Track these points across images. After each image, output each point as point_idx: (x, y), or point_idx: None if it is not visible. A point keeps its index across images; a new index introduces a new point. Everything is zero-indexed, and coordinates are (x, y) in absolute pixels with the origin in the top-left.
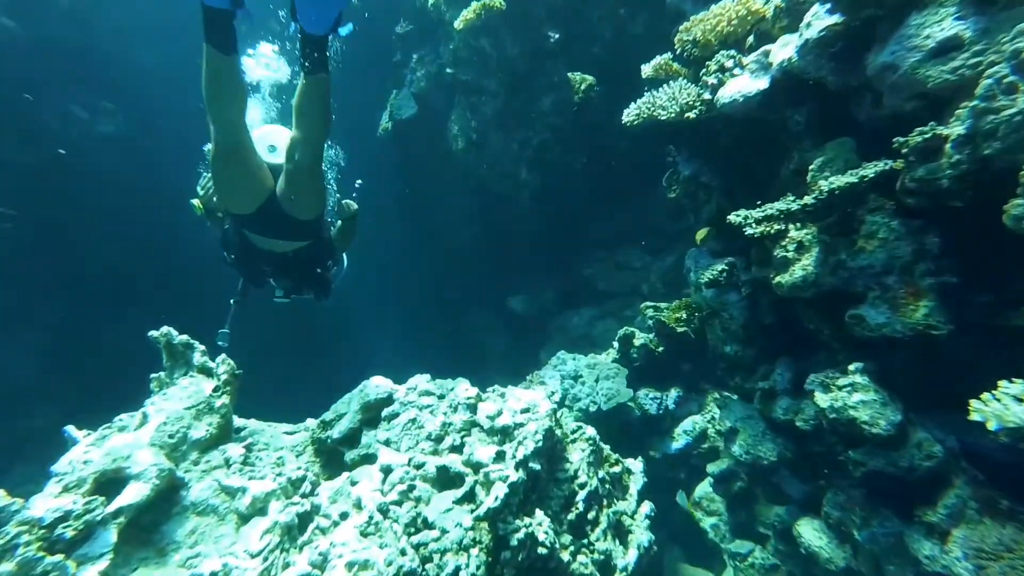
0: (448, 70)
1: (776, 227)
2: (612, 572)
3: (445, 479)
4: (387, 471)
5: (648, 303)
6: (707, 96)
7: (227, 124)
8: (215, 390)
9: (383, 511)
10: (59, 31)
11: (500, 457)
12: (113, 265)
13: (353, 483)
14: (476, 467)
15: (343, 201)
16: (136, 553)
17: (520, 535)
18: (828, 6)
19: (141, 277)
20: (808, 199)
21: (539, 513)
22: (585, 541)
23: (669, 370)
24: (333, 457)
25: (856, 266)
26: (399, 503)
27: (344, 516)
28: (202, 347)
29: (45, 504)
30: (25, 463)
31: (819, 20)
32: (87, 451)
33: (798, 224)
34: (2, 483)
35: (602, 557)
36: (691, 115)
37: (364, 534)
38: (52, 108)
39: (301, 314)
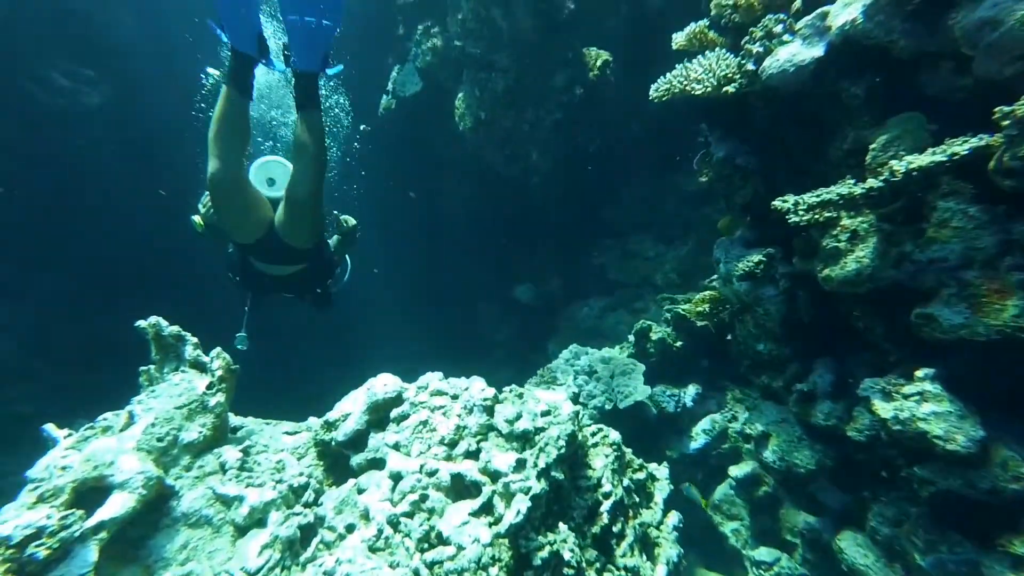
0: (456, 43)
1: (826, 214)
2: None
3: (460, 488)
4: (397, 478)
5: (664, 295)
6: (750, 67)
7: (226, 161)
8: (209, 387)
9: (393, 524)
10: None
11: (521, 465)
12: (107, 246)
13: (360, 491)
14: (494, 476)
15: (341, 217)
16: (120, 571)
17: (544, 553)
18: None
19: (136, 260)
20: (874, 182)
21: (563, 528)
22: (611, 557)
23: (687, 366)
24: (338, 461)
25: (925, 259)
26: (410, 515)
27: (351, 528)
28: (194, 339)
29: (15, 520)
30: (5, 454)
31: None
32: (66, 455)
33: (852, 211)
34: None
35: (629, 575)
36: (730, 89)
37: (373, 549)
38: (32, 77)
39: (298, 307)
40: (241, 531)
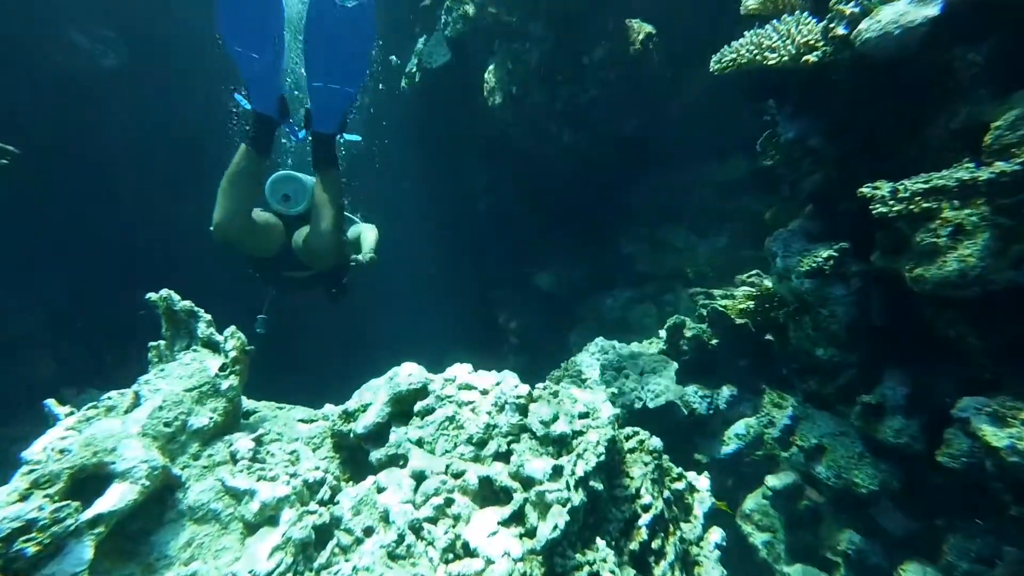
0: (491, 9)
1: (924, 205)
2: None
3: (488, 493)
4: (420, 478)
5: (698, 289)
6: (839, 31)
7: (232, 213)
8: (222, 369)
9: (415, 529)
10: None
11: (557, 473)
12: (127, 220)
13: (380, 490)
14: (526, 482)
15: (354, 257)
16: (118, 569)
17: (581, 574)
18: None
19: (156, 234)
20: (1006, 166)
21: (601, 545)
22: None
23: (722, 365)
24: (356, 455)
25: None
26: (434, 520)
27: (369, 532)
28: (207, 316)
29: (3, 510)
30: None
31: None
32: (65, 436)
33: (959, 202)
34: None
35: None
36: (811, 58)
37: (393, 557)
38: (53, 38)
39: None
40: (251, 528)
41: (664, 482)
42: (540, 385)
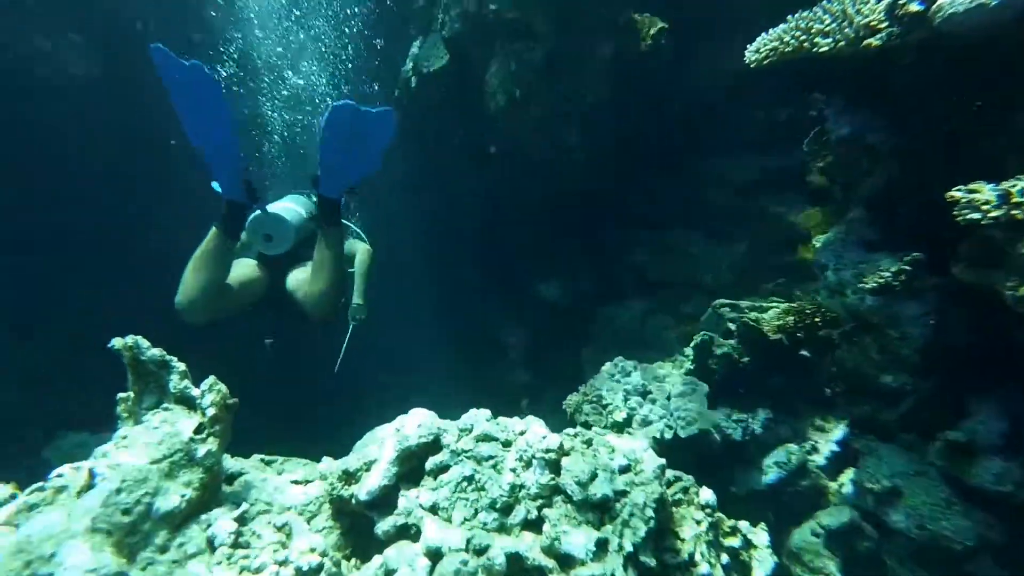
0: (491, 6)
1: None
2: None
3: (517, 572)
4: (436, 556)
5: (724, 300)
6: (915, 7)
7: (195, 291)
8: (198, 430)
9: None
10: None
11: (602, 549)
12: (93, 232)
13: (389, 572)
14: (564, 560)
15: (353, 307)
16: None
17: None
18: None
19: (126, 251)
20: None
21: None
22: None
23: (755, 385)
24: (359, 523)
25: None
26: None
27: None
28: (181, 366)
29: None
30: None
31: None
32: None
33: None
34: None
35: None
36: (873, 42)
37: None
38: (16, 41)
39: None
40: None
41: (719, 542)
42: (570, 432)
